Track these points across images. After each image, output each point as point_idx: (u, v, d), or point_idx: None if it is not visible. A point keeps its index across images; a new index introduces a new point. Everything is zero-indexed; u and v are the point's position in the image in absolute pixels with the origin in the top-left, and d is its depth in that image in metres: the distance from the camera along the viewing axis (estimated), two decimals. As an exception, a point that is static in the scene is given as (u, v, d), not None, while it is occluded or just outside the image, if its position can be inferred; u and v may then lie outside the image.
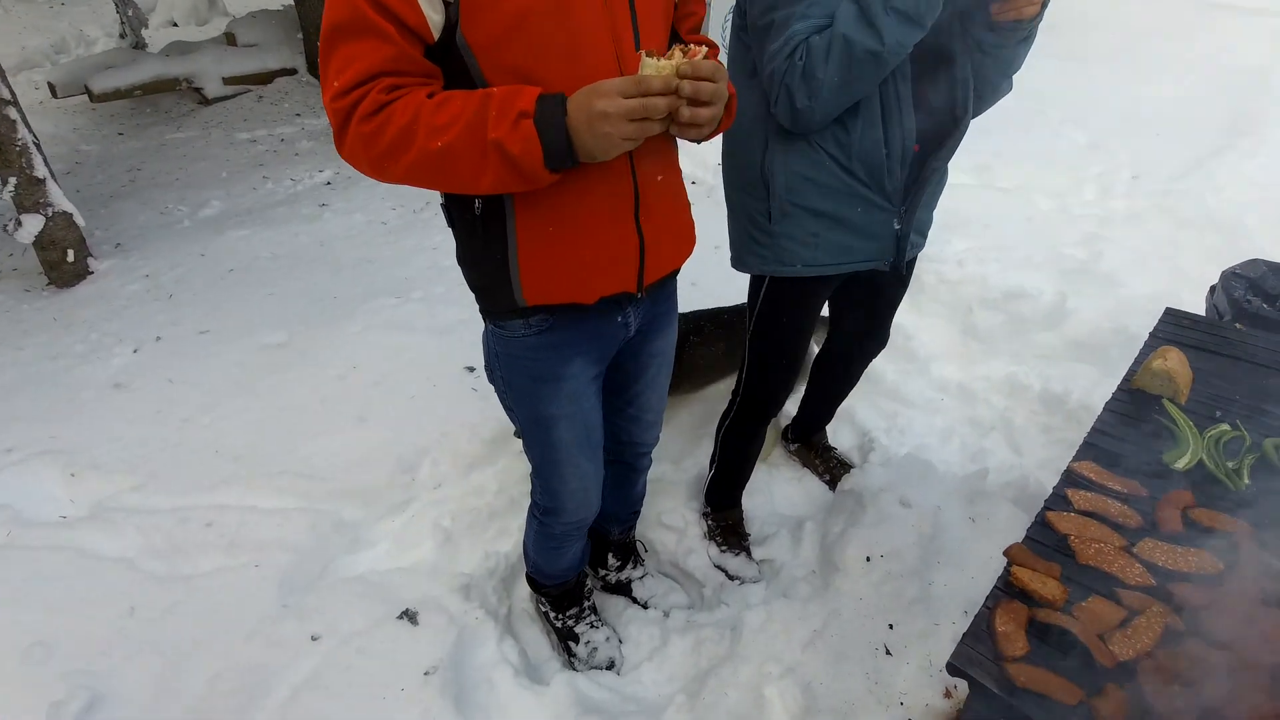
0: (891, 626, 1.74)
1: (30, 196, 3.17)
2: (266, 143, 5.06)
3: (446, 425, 2.40)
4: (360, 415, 2.47)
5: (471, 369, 2.65)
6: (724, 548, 2.04)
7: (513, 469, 2.26)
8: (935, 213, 1.70)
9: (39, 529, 2.13)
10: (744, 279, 1.74)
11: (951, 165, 1.60)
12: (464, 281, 1.29)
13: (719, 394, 2.41)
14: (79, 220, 3.33)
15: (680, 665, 1.78)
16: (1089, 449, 1.30)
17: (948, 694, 1.61)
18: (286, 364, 2.79)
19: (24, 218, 3.19)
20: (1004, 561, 1.11)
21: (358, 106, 1.00)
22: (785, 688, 1.62)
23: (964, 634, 1.00)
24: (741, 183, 1.61)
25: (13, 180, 3.11)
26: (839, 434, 2.50)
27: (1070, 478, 1.24)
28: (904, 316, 2.95)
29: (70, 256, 3.35)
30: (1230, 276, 2.18)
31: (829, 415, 2.31)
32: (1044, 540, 1.13)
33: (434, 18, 1.00)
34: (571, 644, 1.83)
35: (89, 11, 9.16)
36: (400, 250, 3.64)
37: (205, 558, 2.06)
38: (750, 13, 1.43)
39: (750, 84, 1.47)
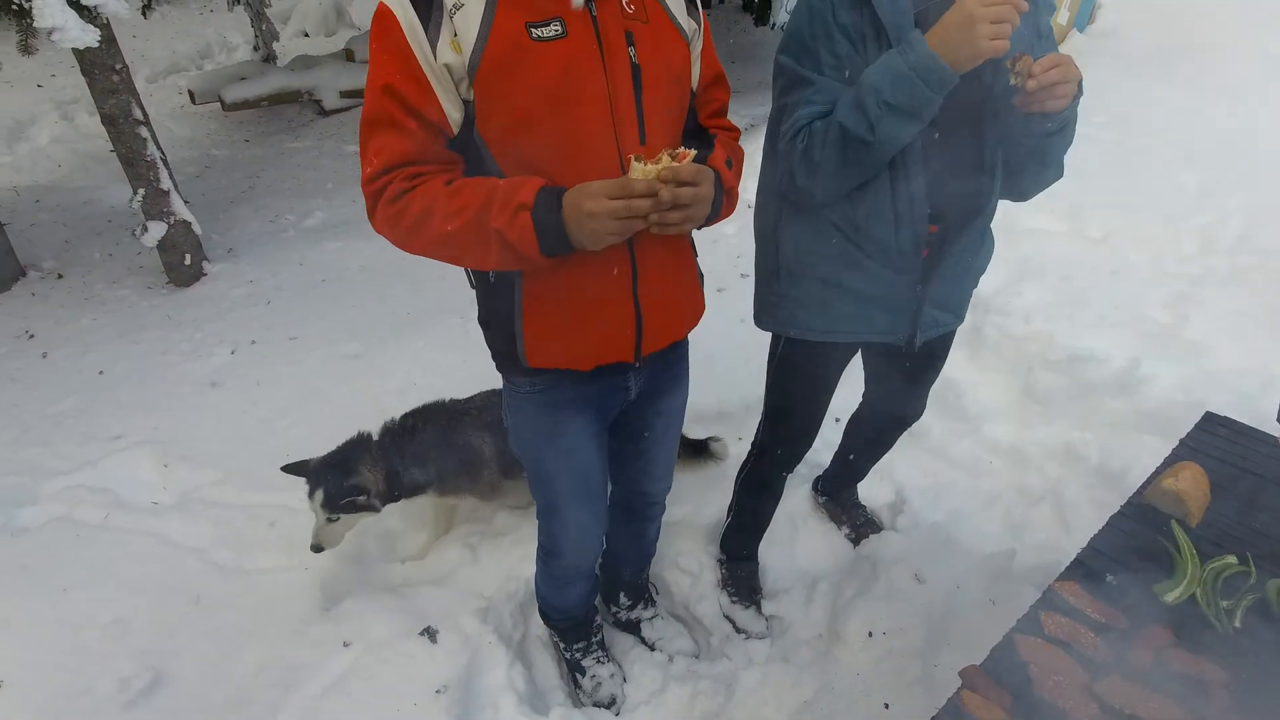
0: (887, 706, 1.74)
1: (156, 206, 3.57)
2: (370, 154, 5.43)
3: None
4: (412, 433, 2.64)
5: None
6: (735, 599, 2.08)
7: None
8: (1009, 259, 1.66)
9: (132, 514, 2.42)
10: None
11: (1036, 209, 1.57)
12: None
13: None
14: (197, 229, 3.72)
15: (675, 713, 1.84)
16: (1077, 567, 1.26)
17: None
18: (357, 374, 3.02)
19: (149, 224, 3.59)
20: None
21: (384, 191, 1.13)
22: (768, 754, 1.66)
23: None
24: (761, 243, 1.67)
25: (141, 191, 3.51)
26: (873, 488, 2.47)
27: (1049, 598, 1.21)
28: (957, 371, 2.87)
29: (187, 260, 3.75)
30: (1312, 366, 2.01)
31: (860, 474, 2.30)
32: (1005, 663, 1.12)
33: (454, 115, 1.13)
34: (578, 675, 1.92)
35: (233, 19, 10.03)
36: (474, 269, 3.84)
37: (265, 555, 2.28)
38: (773, 94, 1.49)
39: (773, 155, 1.53)
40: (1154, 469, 2.38)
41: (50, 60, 7.18)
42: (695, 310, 1.45)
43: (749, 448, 2.00)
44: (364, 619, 2.02)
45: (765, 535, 2.15)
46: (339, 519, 1.98)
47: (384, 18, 1.08)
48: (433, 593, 2.11)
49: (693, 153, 1.09)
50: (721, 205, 1.24)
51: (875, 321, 1.58)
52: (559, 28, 1.09)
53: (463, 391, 2.83)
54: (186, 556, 2.25)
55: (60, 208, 5.08)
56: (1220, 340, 2.86)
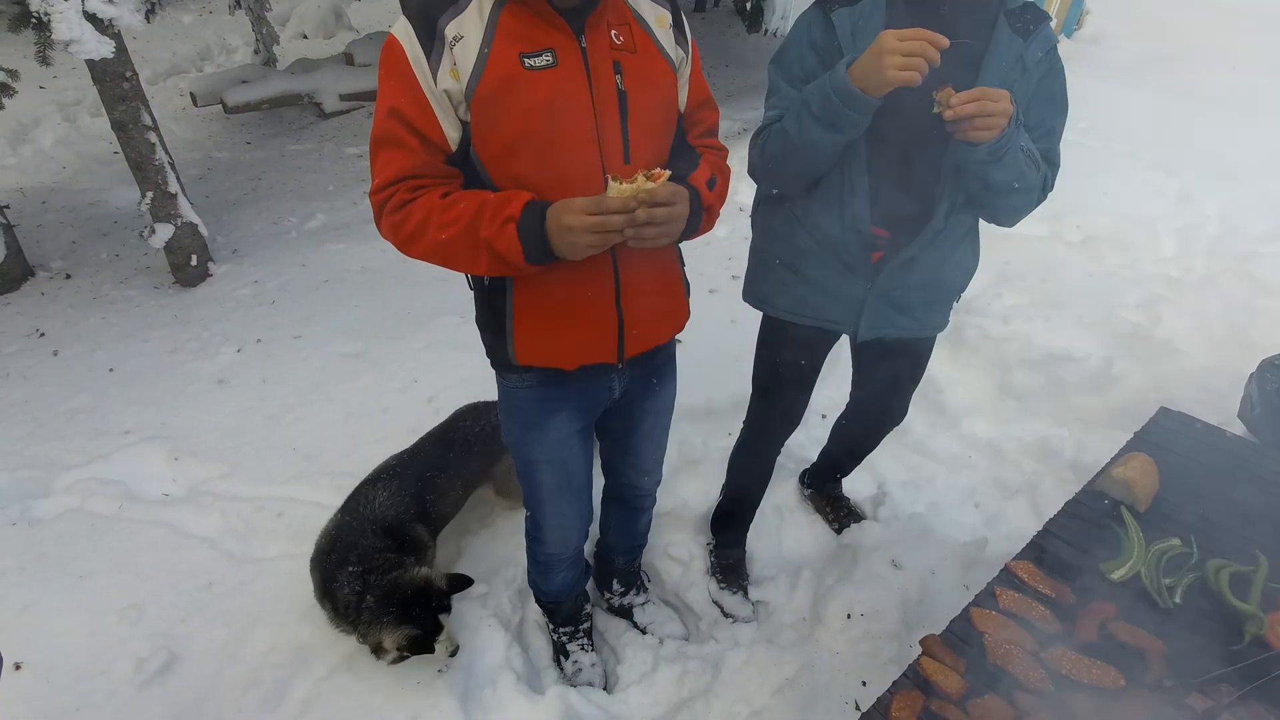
0: (865, 684, 1.84)
1: (163, 209, 3.66)
2: (370, 158, 5.53)
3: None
4: (413, 428, 2.72)
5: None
6: (723, 585, 2.19)
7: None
8: (990, 262, 1.75)
9: (144, 505, 2.52)
10: None
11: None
12: None
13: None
14: (203, 230, 3.81)
15: (664, 692, 1.94)
16: (1032, 548, 1.37)
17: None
18: (359, 373, 3.12)
19: (157, 226, 3.68)
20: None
21: (388, 202, 1.25)
22: (750, 728, 1.76)
23: (860, 716, 1.12)
24: (750, 224, 1.84)
25: (150, 195, 3.60)
26: (856, 480, 2.57)
27: (1005, 575, 1.32)
28: (939, 369, 2.98)
29: (194, 260, 3.84)
30: (1269, 367, 2.13)
31: (845, 471, 2.40)
32: (962, 636, 1.22)
33: (452, 135, 1.24)
34: (562, 658, 2.03)
35: (232, 22, 10.10)
36: (472, 270, 3.94)
37: (274, 544, 2.38)
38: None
39: None
40: (1122, 463, 2.53)
41: (52, 62, 7.24)
42: (678, 316, 1.56)
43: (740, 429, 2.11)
44: (369, 603, 2.12)
45: (753, 526, 2.26)
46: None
47: (392, 48, 1.20)
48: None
49: (668, 173, 1.18)
50: (701, 222, 1.34)
51: (825, 309, 1.71)
52: (550, 58, 1.20)
53: (462, 388, 2.94)
54: (197, 545, 2.34)
55: (66, 209, 5.16)
56: (1192, 340, 2.98)
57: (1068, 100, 1.57)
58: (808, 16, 1.54)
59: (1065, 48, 6.33)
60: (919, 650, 1.88)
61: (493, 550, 2.33)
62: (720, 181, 1.43)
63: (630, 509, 1.96)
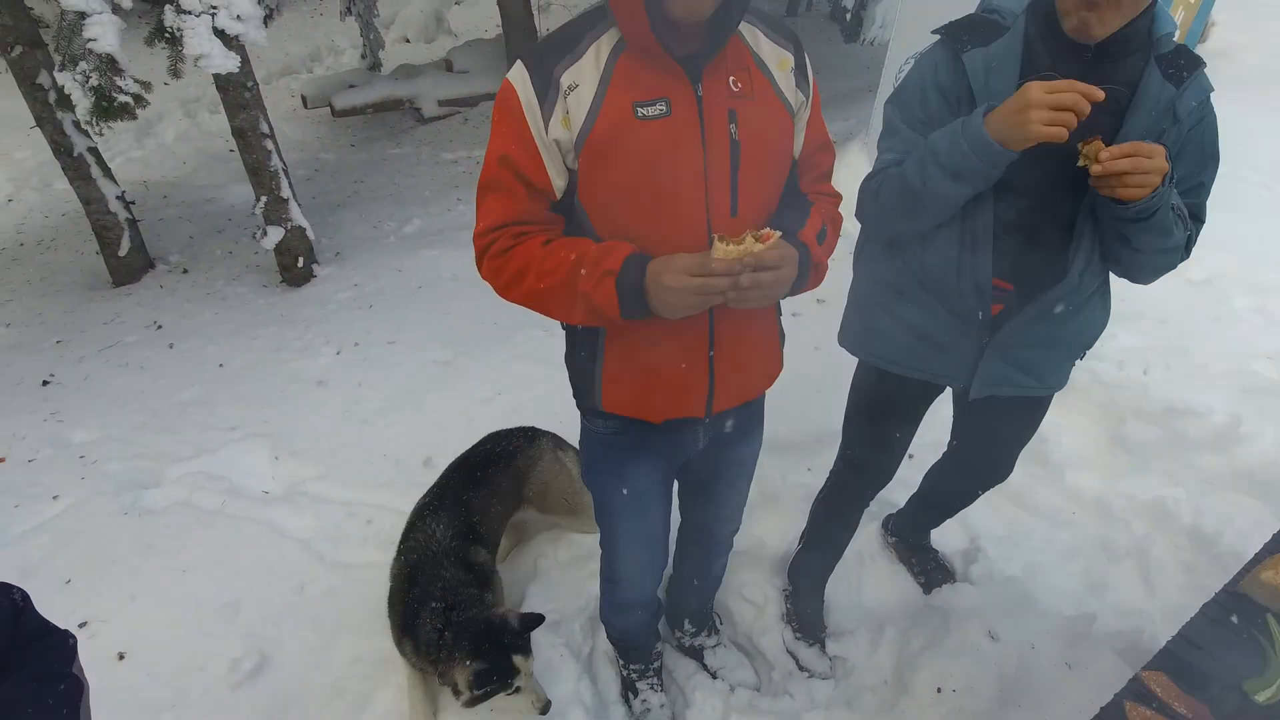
0: (953, 762, 1.75)
1: (275, 212, 3.86)
2: (465, 164, 5.68)
3: (565, 463, 2.66)
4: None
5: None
6: (799, 635, 2.12)
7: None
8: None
9: (245, 501, 2.65)
10: None
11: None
12: None
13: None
14: (310, 234, 4.00)
15: (736, 743, 1.89)
16: (1166, 657, 1.25)
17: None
18: (447, 381, 3.20)
19: (269, 229, 3.89)
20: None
21: (491, 246, 1.25)
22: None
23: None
24: (853, 266, 1.75)
25: (264, 199, 3.80)
26: (946, 531, 2.44)
27: (1135, 687, 1.21)
28: (1042, 417, 2.81)
29: (300, 262, 4.04)
30: None
31: (934, 523, 2.29)
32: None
33: (559, 183, 1.23)
34: (630, 695, 2.02)
35: (340, 24, 10.60)
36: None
37: (362, 550, 2.46)
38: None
39: None
40: (1249, 534, 2.31)
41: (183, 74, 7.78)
42: (771, 371, 1.51)
43: (827, 475, 2.04)
44: (447, 621, 2.16)
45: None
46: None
47: (507, 94, 1.19)
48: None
49: (777, 234, 1.13)
50: (808, 279, 1.28)
51: (934, 362, 1.61)
52: (664, 107, 1.17)
53: (542, 404, 2.96)
54: (292, 546, 2.45)
55: (185, 204, 5.53)
56: (1334, 401, 2.71)
57: (1219, 152, 1.44)
58: (933, 56, 1.45)
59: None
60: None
61: (567, 575, 2.34)
62: (831, 233, 1.36)
63: (707, 554, 1.92)
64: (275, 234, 3.88)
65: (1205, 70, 1.40)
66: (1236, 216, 3.89)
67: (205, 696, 1.98)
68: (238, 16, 2.68)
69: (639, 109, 1.16)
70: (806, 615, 2.14)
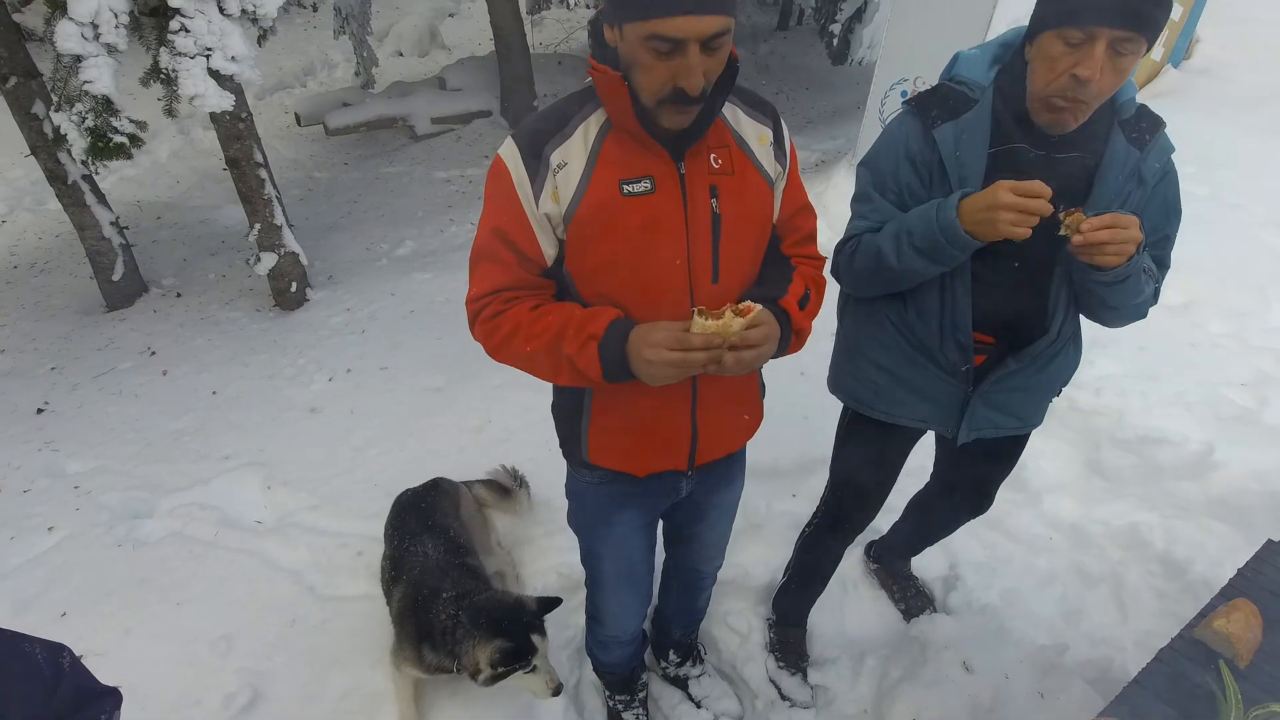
0: (927, 791, 1.80)
1: (269, 239, 3.91)
2: (457, 183, 5.74)
3: (551, 492, 2.70)
4: (486, 471, 2.83)
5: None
6: (781, 664, 2.17)
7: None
8: (1082, 328, 1.68)
9: (238, 533, 2.69)
10: None
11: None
12: None
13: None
14: (303, 259, 4.05)
15: (719, 773, 1.94)
16: (1121, 704, 1.30)
17: None
18: (439, 408, 3.24)
19: (263, 255, 3.93)
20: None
21: (482, 311, 1.31)
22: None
23: None
24: (837, 315, 1.81)
25: (258, 226, 3.85)
26: (927, 556, 2.47)
27: (1088, 730, 1.26)
28: (1021, 444, 2.87)
29: (293, 287, 4.08)
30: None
31: (915, 551, 2.35)
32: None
33: (549, 252, 1.29)
34: (615, 727, 2.07)
35: (333, 38, 10.66)
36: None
37: (354, 583, 2.50)
38: None
39: None
40: (1220, 560, 2.37)
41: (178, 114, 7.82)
42: (753, 424, 1.56)
43: (813, 513, 2.09)
44: (437, 654, 2.20)
45: (815, 600, 2.23)
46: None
47: (499, 170, 1.25)
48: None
49: (757, 308, 1.17)
50: (789, 344, 1.33)
51: (920, 411, 1.67)
52: (648, 184, 1.23)
53: (534, 431, 3.00)
54: (284, 579, 2.48)
55: (178, 225, 5.57)
56: (1305, 427, 2.77)
57: (1181, 205, 1.52)
58: (905, 126, 1.50)
59: (1173, 79, 5.93)
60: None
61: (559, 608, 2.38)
62: (814, 297, 1.40)
63: (691, 589, 1.98)
64: (269, 260, 3.92)
65: (1165, 130, 1.47)
66: (1214, 238, 3.97)
67: (199, 733, 2.02)
68: (232, 57, 2.74)
69: (625, 186, 1.22)
70: (789, 644, 2.20)
